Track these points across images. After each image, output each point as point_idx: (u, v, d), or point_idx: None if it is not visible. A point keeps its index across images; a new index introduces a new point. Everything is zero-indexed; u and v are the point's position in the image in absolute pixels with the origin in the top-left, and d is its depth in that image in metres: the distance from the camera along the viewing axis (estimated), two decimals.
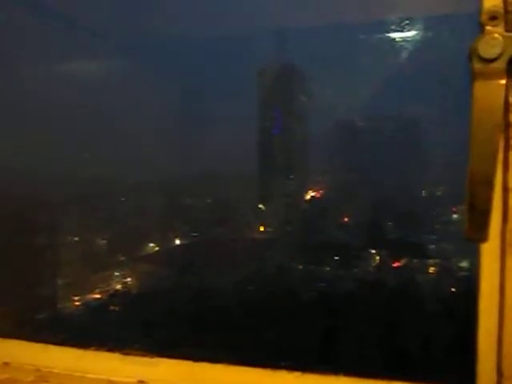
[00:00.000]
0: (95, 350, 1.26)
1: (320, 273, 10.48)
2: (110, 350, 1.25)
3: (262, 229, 12.54)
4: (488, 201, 0.80)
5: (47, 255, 9.85)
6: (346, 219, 12.32)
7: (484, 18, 0.80)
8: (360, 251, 10.82)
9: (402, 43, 10.57)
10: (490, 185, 0.80)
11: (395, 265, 10.50)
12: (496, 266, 0.90)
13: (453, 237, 9.74)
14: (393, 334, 7.89)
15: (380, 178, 12.80)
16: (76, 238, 11.23)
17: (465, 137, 0.81)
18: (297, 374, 1.10)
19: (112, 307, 9.99)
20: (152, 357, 1.20)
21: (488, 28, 0.80)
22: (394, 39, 10.39)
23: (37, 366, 1.26)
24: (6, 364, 1.29)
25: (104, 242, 11.75)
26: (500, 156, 0.85)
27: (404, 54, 11.38)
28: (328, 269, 10.59)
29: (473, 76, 0.79)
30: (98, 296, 10.41)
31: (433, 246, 10.67)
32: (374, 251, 10.78)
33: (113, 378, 1.19)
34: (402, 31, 9.72)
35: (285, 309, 8.65)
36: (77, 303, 10.03)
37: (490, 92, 0.79)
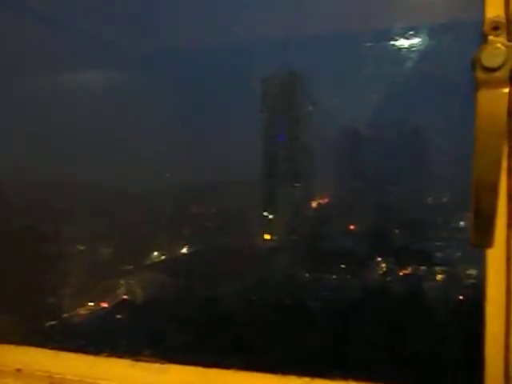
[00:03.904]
0: (106, 356, 1.27)
1: (326, 281, 10.43)
2: (121, 356, 1.26)
3: (267, 237, 12.51)
4: (493, 207, 0.81)
5: (56, 264, 9.90)
6: (352, 227, 12.27)
7: (487, 27, 0.82)
8: (367, 259, 10.77)
9: (407, 51, 10.59)
10: (494, 191, 0.81)
11: (402, 272, 10.44)
12: (502, 272, 0.91)
13: (460, 244, 9.66)
14: (400, 341, 7.83)
15: (386, 185, 12.76)
16: (82, 247, 11.27)
17: (470, 143, 0.83)
18: (306, 379, 1.10)
19: (120, 315, 9.98)
20: (162, 363, 1.22)
21: (491, 38, 0.81)
22: (399, 47, 10.42)
23: (49, 372, 1.27)
24: (18, 371, 1.30)
25: (110, 250, 11.77)
26: (504, 163, 0.87)
27: (408, 63, 11.39)
28: (334, 277, 10.54)
29: (476, 85, 0.81)
30: (105, 305, 10.41)
31: (440, 254, 10.58)
32: (380, 259, 10.73)
33: None
34: (406, 39, 9.75)
35: (292, 316, 8.62)
36: (85, 311, 10.04)
37: (493, 101, 0.81)
